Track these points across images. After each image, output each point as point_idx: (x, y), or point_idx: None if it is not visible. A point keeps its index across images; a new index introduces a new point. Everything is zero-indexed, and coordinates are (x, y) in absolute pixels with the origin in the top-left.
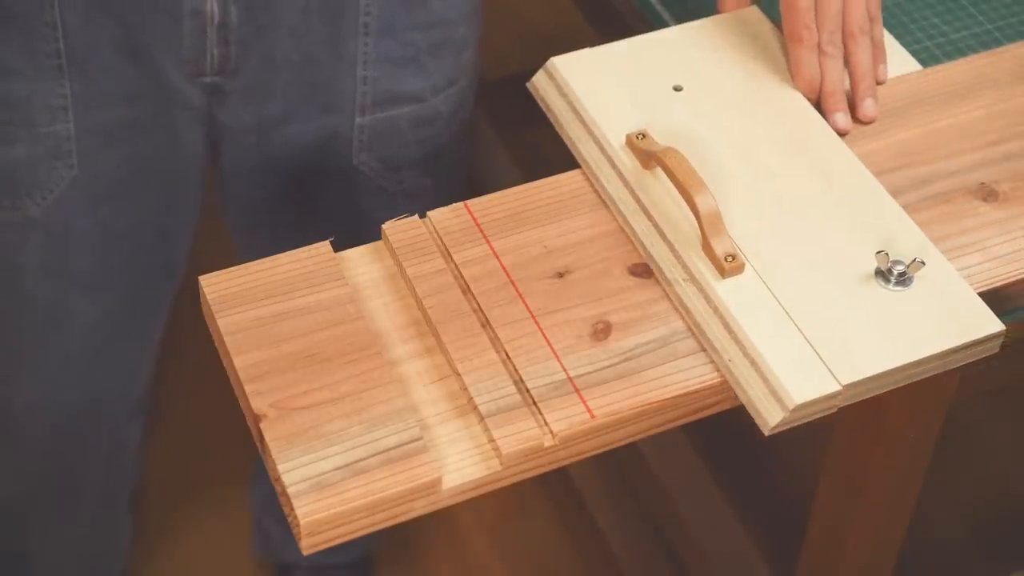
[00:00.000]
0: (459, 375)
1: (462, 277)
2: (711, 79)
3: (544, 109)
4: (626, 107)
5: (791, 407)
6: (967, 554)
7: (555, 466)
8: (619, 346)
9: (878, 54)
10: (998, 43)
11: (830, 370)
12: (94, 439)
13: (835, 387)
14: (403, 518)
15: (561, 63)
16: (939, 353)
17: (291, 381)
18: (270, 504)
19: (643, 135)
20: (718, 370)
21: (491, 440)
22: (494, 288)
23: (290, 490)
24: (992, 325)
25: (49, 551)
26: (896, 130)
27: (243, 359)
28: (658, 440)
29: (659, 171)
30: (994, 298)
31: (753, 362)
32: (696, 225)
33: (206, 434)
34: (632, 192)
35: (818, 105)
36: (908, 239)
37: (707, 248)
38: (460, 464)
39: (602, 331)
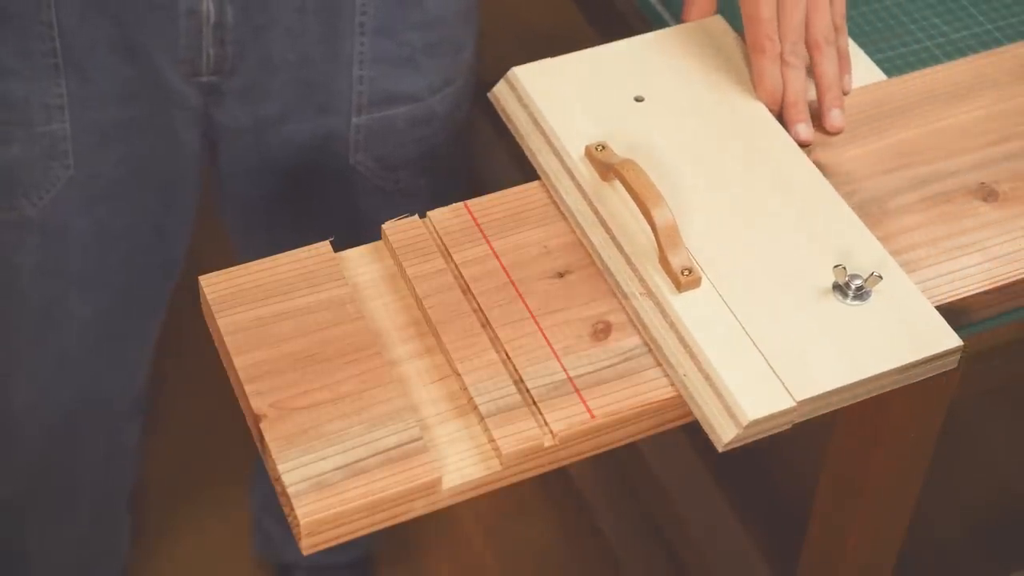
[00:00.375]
0: (459, 375)
1: (462, 277)
2: (673, 89)
3: (505, 120)
4: (587, 118)
5: (744, 423)
6: (967, 554)
7: (555, 466)
8: (619, 346)
9: (843, 64)
10: (998, 43)
11: (785, 386)
12: (91, 439)
13: (790, 403)
14: (403, 518)
15: (522, 73)
16: (896, 368)
17: (291, 381)
18: (270, 504)
19: (602, 146)
20: (671, 384)
21: (491, 440)
22: (494, 288)
23: (290, 490)
24: (950, 340)
25: (48, 551)
26: (896, 130)
27: (243, 359)
28: (658, 440)
29: (617, 183)
30: (951, 312)
31: (708, 377)
32: (653, 238)
33: (206, 434)
34: (590, 204)
35: (780, 116)
36: (867, 253)
37: (664, 262)
38: (460, 464)
39: (602, 331)
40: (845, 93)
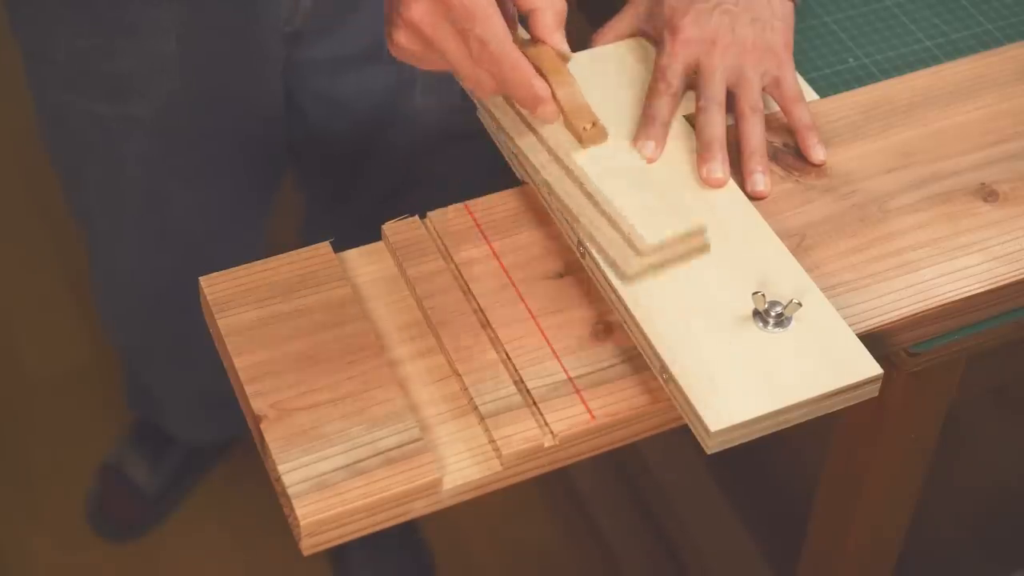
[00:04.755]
0: (459, 375)
1: (462, 277)
2: (597, 111)
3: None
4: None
5: None
6: (967, 554)
7: (555, 466)
8: (619, 347)
9: (802, 135)
10: (998, 43)
11: (700, 417)
12: (197, 300)
13: (702, 434)
14: (403, 518)
15: None
16: (814, 397)
17: (291, 382)
18: None
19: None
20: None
21: (491, 440)
22: (494, 288)
23: (290, 491)
24: (870, 368)
25: (172, 392)
26: (896, 130)
27: (243, 359)
28: (658, 440)
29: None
30: (870, 339)
31: None
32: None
33: None
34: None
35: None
36: (788, 279)
37: (568, 124)
38: (460, 464)
39: (602, 331)
40: (806, 125)
